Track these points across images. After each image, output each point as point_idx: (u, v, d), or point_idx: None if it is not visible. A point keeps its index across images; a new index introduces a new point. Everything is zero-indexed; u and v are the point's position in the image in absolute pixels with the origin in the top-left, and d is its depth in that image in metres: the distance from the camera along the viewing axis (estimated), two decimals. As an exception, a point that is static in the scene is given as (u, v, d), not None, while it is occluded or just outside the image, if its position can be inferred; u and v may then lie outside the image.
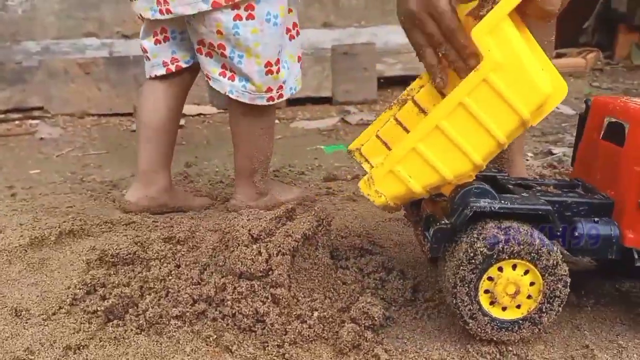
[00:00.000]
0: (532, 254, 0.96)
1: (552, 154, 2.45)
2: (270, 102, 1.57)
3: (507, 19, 0.94)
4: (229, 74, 1.54)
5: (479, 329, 1.01)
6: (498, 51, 0.93)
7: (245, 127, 1.62)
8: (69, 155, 2.57)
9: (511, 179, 1.16)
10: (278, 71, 1.54)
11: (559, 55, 3.78)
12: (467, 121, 0.96)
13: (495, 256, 0.96)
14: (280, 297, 1.06)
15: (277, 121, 3.18)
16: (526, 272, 0.99)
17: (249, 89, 1.54)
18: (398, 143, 1.04)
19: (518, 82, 0.94)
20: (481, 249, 0.95)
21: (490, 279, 0.98)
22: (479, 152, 0.98)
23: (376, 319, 1.05)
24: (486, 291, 0.99)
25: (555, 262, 0.97)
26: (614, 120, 1.10)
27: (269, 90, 1.55)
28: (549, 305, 1.00)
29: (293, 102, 3.36)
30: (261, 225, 1.10)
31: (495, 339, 1.02)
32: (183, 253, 1.19)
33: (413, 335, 1.08)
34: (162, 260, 1.18)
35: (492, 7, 0.99)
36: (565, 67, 3.61)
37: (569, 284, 0.99)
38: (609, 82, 3.45)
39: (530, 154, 2.47)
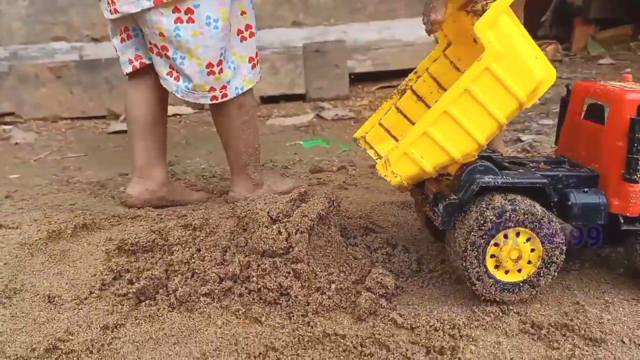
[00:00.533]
0: (535, 223, 1.09)
1: (521, 140, 2.60)
2: (214, 101, 1.63)
3: (505, 13, 1.06)
4: (174, 74, 1.61)
5: (484, 290, 1.12)
6: (498, 43, 1.05)
7: (225, 125, 1.69)
8: (47, 159, 2.58)
9: (505, 158, 1.28)
10: (221, 72, 1.60)
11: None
12: (472, 106, 1.08)
13: (502, 224, 1.08)
14: (301, 272, 1.14)
15: (253, 119, 3.28)
16: (527, 240, 1.11)
17: (192, 88, 1.60)
18: (412, 128, 1.15)
19: (516, 69, 1.06)
20: (490, 217, 1.07)
21: (496, 244, 1.10)
22: (482, 133, 1.10)
23: (389, 287, 1.15)
24: (492, 256, 1.11)
25: (554, 230, 1.09)
26: (594, 101, 1.23)
27: (212, 89, 1.61)
28: (546, 269, 1.13)
29: (268, 100, 3.43)
30: (278, 208, 1.19)
31: (497, 299, 1.14)
32: (202, 238, 1.26)
33: (422, 301, 1.19)
34: (183, 245, 1.25)
35: (486, 3, 1.11)
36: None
37: (564, 251, 1.12)
38: (568, 72, 3.64)
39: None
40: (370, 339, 1.05)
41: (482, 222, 1.08)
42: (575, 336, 1.07)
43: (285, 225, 1.16)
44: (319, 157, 2.55)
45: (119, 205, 1.72)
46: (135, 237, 1.29)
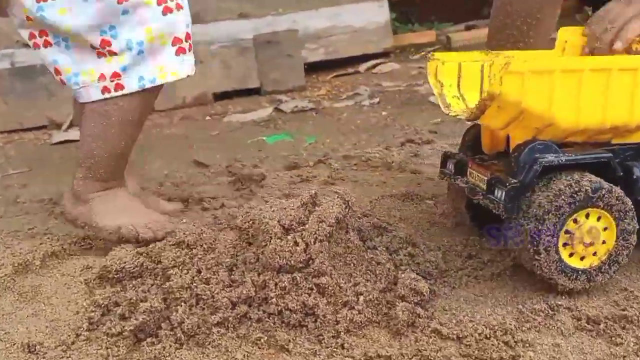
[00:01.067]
0: (611, 202, 1.02)
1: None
2: (106, 95, 1.23)
3: None
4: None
5: (546, 265, 1.03)
6: None
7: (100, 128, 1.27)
8: (-15, 178, 2.31)
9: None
10: (111, 54, 1.22)
11: (469, 28, 3.92)
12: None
13: (594, 200, 1.01)
14: (326, 286, 1.00)
15: (208, 118, 3.09)
16: (598, 219, 1.04)
17: (82, 79, 1.24)
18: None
19: None
20: (586, 188, 0.99)
21: (575, 221, 1.03)
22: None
23: (424, 294, 1.02)
24: (566, 232, 1.03)
25: (628, 209, 1.03)
26: None
27: (102, 78, 1.22)
28: (608, 266, 1.05)
29: (220, 96, 3.24)
30: (290, 215, 1.03)
31: (560, 283, 1.04)
32: (200, 256, 1.09)
33: (459, 305, 1.07)
34: (180, 268, 1.07)
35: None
36: (479, 39, 3.75)
37: (636, 230, 1.05)
38: (520, 48, 3.63)
39: (469, 123, 2.53)
40: (417, 357, 0.92)
41: (576, 189, 1.00)
42: (635, 328, 0.98)
43: (302, 234, 1.01)
44: (286, 152, 2.40)
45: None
46: (119, 263, 1.10)
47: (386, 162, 1.91)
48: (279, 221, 1.03)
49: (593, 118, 1.03)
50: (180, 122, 3.02)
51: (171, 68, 1.25)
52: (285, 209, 1.05)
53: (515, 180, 1.01)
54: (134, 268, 1.10)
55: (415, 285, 1.02)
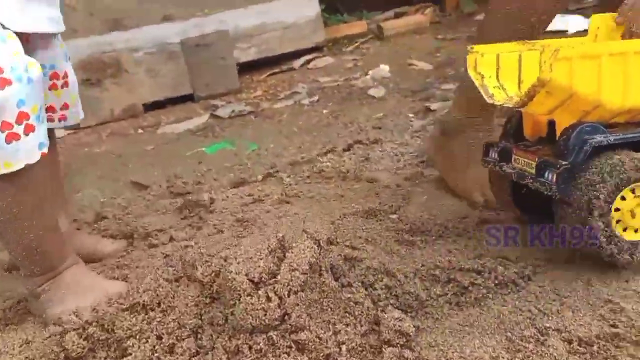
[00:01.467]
0: None
1: (431, 110, 2.49)
2: None
3: None
4: None
5: (614, 250, 1.07)
6: None
7: None
8: None
9: None
10: None
11: (398, 15, 3.88)
12: None
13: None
14: (306, 342, 0.91)
15: (141, 131, 2.91)
16: None
17: None
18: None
19: None
20: (633, 164, 1.06)
21: (622, 198, 1.08)
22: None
23: (410, 334, 0.95)
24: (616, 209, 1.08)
25: None
26: None
27: None
28: None
29: (150, 106, 3.06)
30: (259, 266, 0.93)
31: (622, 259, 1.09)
32: (159, 320, 0.97)
33: (445, 338, 1.00)
34: (138, 337, 0.95)
35: None
36: (410, 26, 3.71)
37: None
38: (451, 33, 3.60)
39: (411, 115, 2.50)
40: (413, 408, 0.85)
41: (608, 180, 1.05)
42: (628, 345, 0.94)
43: (274, 287, 0.91)
44: (229, 163, 2.28)
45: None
46: (65, 339, 0.97)
47: (339, 171, 1.83)
48: (247, 275, 0.92)
49: (639, 98, 1.09)
50: (110, 139, 2.83)
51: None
52: (251, 258, 0.95)
53: (565, 162, 1.06)
54: (82, 345, 0.97)
55: (399, 326, 0.95)
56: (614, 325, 0.98)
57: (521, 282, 1.11)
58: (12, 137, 1.01)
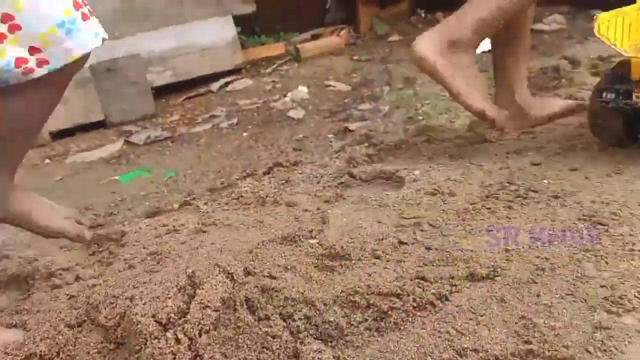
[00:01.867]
0: None
1: (350, 130, 2.51)
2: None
3: None
4: None
5: None
6: None
7: None
8: None
9: None
10: None
11: (315, 37, 3.91)
12: None
13: None
14: (220, 383, 0.86)
15: (48, 161, 2.76)
16: None
17: None
18: None
19: None
20: None
21: None
22: None
23: (330, 366, 0.92)
24: None
25: None
26: None
27: None
28: None
29: (59, 134, 2.92)
30: (167, 306, 0.88)
31: None
32: (61, 370, 0.90)
33: (369, 367, 0.98)
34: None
35: None
36: (326, 47, 3.75)
37: None
38: (366, 54, 3.66)
39: (331, 135, 2.50)
40: None
41: None
42: (542, 362, 0.95)
43: (184, 327, 0.86)
44: (145, 191, 2.21)
45: None
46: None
47: (258, 196, 1.79)
48: (153, 316, 0.87)
49: None
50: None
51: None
52: (159, 298, 0.90)
53: None
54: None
55: (319, 358, 0.92)
56: (528, 342, 0.99)
57: (439, 303, 1.11)
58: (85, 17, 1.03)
